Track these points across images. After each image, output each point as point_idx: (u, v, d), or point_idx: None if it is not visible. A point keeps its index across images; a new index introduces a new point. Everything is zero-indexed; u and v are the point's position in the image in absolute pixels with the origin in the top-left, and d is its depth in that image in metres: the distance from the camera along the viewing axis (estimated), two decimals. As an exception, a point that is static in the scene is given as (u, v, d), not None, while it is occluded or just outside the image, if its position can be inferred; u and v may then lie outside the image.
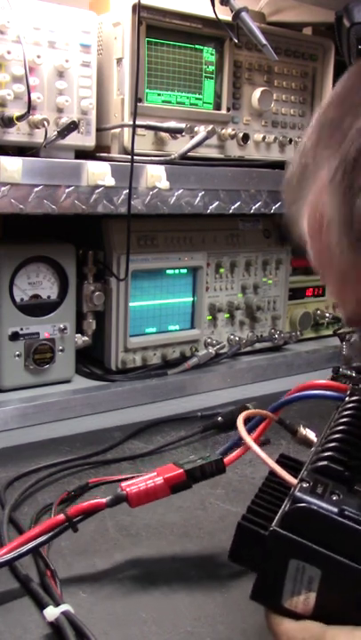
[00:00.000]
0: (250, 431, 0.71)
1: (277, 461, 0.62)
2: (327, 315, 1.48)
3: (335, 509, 0.52)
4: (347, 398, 0.67)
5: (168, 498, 0.86)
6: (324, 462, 0.56)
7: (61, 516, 0.67)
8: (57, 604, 0.62)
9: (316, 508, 0.52)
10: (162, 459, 0.99)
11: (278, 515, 0.55)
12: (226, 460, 0.73)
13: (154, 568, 0.72)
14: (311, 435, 0.71)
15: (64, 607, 0.61)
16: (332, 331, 1.49)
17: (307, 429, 0.70)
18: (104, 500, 0.69)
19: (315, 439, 0.71)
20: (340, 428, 0.61)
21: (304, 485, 0.54)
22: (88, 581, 0.69)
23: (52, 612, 0.60)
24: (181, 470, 0.71)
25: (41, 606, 0.62)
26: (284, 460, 0.65)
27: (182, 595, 0.67)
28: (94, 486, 0.88)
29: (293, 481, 0.56)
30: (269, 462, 0.60)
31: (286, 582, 0.53)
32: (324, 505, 0.52)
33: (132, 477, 0.90)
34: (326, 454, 0.57)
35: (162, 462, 0.97)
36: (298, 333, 1.40)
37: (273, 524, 0.54)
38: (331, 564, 0.52)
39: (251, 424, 0.72)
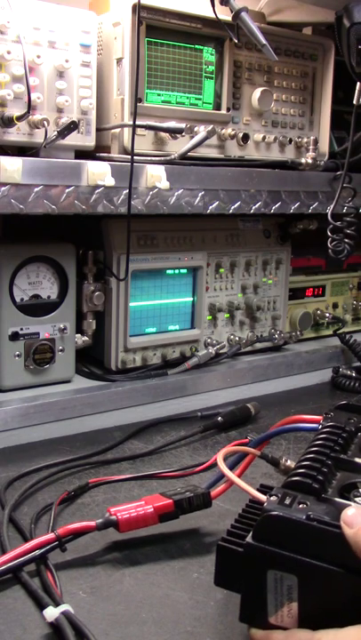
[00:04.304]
0: (234, 465, 0.75)
1: (258, 490, 0.64)
2: (327, 315, 1.48)
3: (301, 515, 0.53)
4: (320, 426, 0.68)
5: (168, 498, 0.86)
6: (294, 478, 0.57)
7: (52, 535, 0.69)
8: (57, 605, 0.62)
9: (282, 514, 0.53)
10: (162, 458, 0.99)
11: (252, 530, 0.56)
12: (212, 493, 0.77)
13: (154, 568, 0.72)
14: (292, 466, 0.72)
15: (64, 607, 0.61)
16: (332, 331, 1.49)
17: (289, 460, 0.72)
18: (94, 523, 0.72)
19: None
20: (311, 450, 0.63)
21: (272, 498, 0.56)
22: (88, 581, 0.69)
23: (51, 613, 0.60)
24: (171, 501, 0.75)
25: (41, 606, 0.62)
26: (264, 489, 0.66)
27: (182, 595, 0.67)
28: (94, 486, 0.89)
29: (264, 498, 0.57)
30: (247, 488, 0.62)
31: (268, 596, 0.54)
32: (290, 512, 0.54)
33: (132, 477, 0.91)
34: (297, 471, 0.59)
35: (162, 462, 0.98)
36: (298, 333, 1.40)
37: (246, 538, 0.55)
38: (304, 568, 0.53)
39: (234, 458, 0.76)
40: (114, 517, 0.72)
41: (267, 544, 0.54)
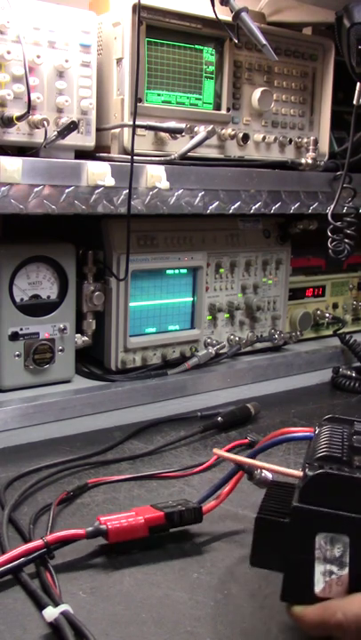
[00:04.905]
0: (224, 483, 0.76)
1: (269, 488, 0.63)
2: (327, 315, 1.48)
3: (348, 473, 0.53)
4: (317, 430, 0.68)
5: (168, 499, 0.86)
6: (323, 454, 0.57)
7: (40, 542, 0.69)
8: (56, 605, 0.62)
9: (332, 472, 0.53)
10: (162, 458, 0.99)
11: (295, 495, 0.55)
12: (204, 508, 0.77)
13: (154, 568, 0.72)
14: (268, 476, 0.72)
15: (63, 607, 0.61)
16: (332, 331, 1.49)
17: (264, 471, 0.71)
18: (83, 531, 0.71)
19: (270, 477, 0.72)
20: (324, 439, 0.62)
21: (314, 466, 0.55)
22: (88, 581, 0.69)
23: (51, 613, 0.60)
24: (162, 513, 0.75)
25: (40, 607, 0.62)
26: (275, 486, 0.65)
27: (182, 595, 0.67)
28: (93, 486, 0.89)
29: (299, 473, 0.57)
30: (273, 467, 0.61)
31: (316, 565, 0.53)
32: (337, 471, 0.53)
33: (132, 478, 0.91)
34: (323, 450, 0.58)
35: (162, 462, 0.98)
36: (298, 333, 1.40)
37: (293, 503, 0.54)
38: (357, 525, 0.52)
39: (225, 476, 0.75)
40: (104, 527, 0.72)
41: (315, 506, 0.53)
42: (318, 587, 0.53)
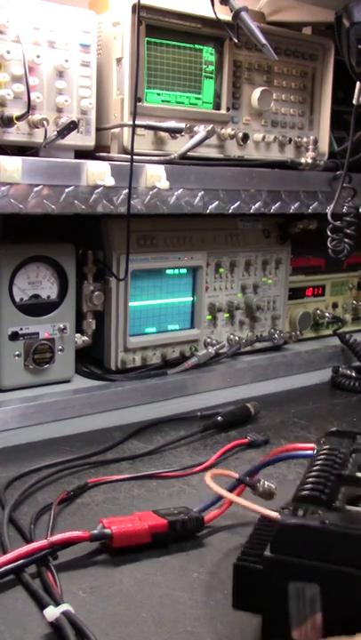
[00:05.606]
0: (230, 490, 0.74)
1: (257, 524, 0.64)
2: (327, 315, 1.48)
3: (316, 522, 0.54)
4: (315, 451, 0.69)
5: (168, 499, 0.87)
6: (303, 492, 0.58)
7: (45, 542, 0.69)
8: (57, 604, 0.62)
9: (298, 522, 0.54)
10: (162, 458, 0.99)
11: (268, 544, 0.56)
12: (205, 518, 0.77)
13: (154, 568, 0.72)
14: (272, 487, 0.73)
15: (64, 607, 0.61)
16: (331, 330, 1.49)
17: (266, 483, 0.72)
18: (88, 534, 0.71)
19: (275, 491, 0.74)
20: (313, 469, 0.63)
21: (285, 512, 0.56)
22: (88, 581, 0.69)
23: (52, 612, 0.60)
24: (165, 521, 0.75)
25: (41, 606, 0.62)
26: (262, 521, 0.65)
27: (182, 595, 0.67)
28: (94, 486, 0.89)
29: (276, 515, 0.58)
30: (254, 507, 0.62)
31: (291, 611, 0.54)
32: (305, 521, 0.54)
33: (132, 477, 0.91)
34: (305, 486, 0.60)
35: (161, 462, 0.98)
36: (298, 333, 1.40)
37: (264, 552, 0.55)
38: (325, 575, 0.53)
39: (227, 488, 0.75)
40: (108, 530, 0.72)
41: (286, 555, 0.54)
42: (294, 631, 0.54)
